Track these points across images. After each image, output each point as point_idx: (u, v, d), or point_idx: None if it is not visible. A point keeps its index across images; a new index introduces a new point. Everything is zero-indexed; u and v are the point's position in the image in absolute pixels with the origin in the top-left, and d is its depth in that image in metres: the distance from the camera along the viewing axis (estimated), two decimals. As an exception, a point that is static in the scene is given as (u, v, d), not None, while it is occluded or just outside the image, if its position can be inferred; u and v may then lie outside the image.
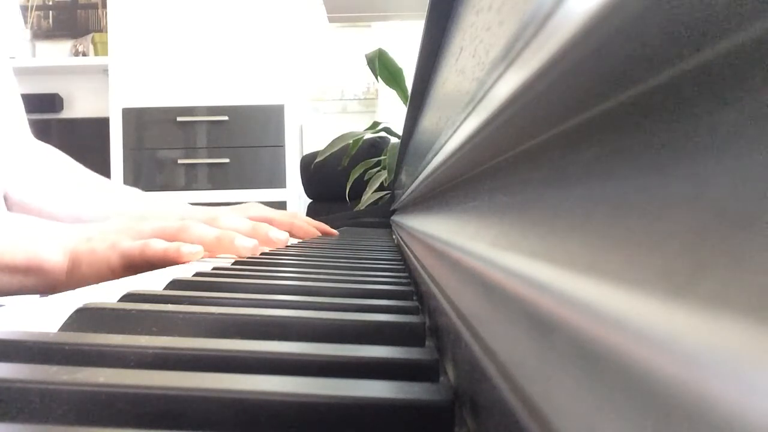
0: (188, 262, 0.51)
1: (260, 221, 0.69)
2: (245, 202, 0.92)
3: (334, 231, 0.99)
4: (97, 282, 0.56)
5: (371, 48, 1.58)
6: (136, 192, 0.84)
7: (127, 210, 0.65)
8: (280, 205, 2.35)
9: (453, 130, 0.24)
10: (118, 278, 0.56)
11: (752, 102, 0.07)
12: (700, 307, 0.06)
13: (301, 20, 2.62)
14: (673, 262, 0.07)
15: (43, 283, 0.56)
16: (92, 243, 0.56)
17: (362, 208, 1.57)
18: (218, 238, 0.59)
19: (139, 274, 0.46)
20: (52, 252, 0.56)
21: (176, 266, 0.53)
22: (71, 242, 0.57)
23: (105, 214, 0.74)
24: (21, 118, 0.86)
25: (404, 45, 1.91)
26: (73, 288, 0.57)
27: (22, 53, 2.74)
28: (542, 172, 0.16)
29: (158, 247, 0.52)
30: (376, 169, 1.65)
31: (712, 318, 0.06)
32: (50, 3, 2.88)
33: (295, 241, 0.76)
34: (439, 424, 0.15)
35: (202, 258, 0.54)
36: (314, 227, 0.93)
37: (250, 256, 0.55)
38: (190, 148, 2.49)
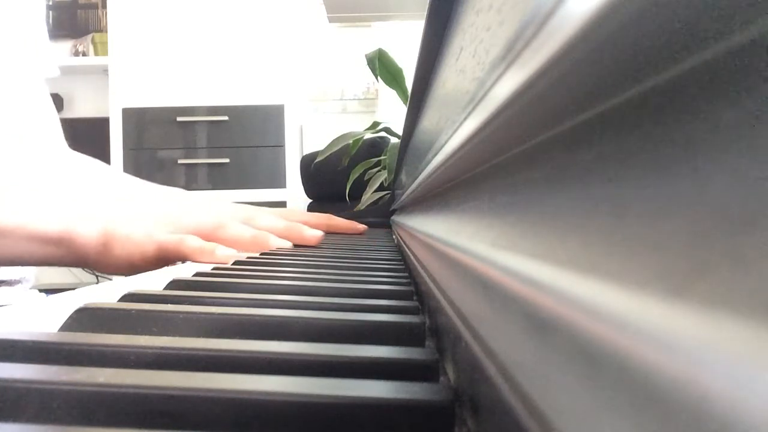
0: (221, 263, 0.52)
1: (296, 222, 0.70)
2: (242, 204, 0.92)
3: (363, 227, 0.99)
4: (127, 265, 0.57)
5: (371, 48, 1.57)
6: (174, 192, 0.85)
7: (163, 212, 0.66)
8: (280, 206, 2.35)
9: (453, 130, 0.24)
10: (148, 267, 0.56)
11: (753, 101, 0.07)
12: (700, 307, 0.06)
13: (301, 20, 2.62)
14: (673, 262, 0.07)
15: (73, 256, 0.57)
16: (129, 228, 0.57)
17: (362, 208, 1.56)
18: (254, 237, 0.61)
19: (139, 274, 0.46)
20: (87, 228, 0.57)
21: (176, 266, 0.53)
22: (109, 222, 0.58)
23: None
24: (56, 134, 0.86)
25: (404, 45, 1.90)
26: (102, 267, 0.57)
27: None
28: (542, 172, 0.16)
29: (194, 244, 0.53)
30: (376, 169, 1.64)
31: (713, 318, 0.06)
32: (50, 3, 2.88)
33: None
34: (439, 424, 0.15)
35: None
36: (349, 225, 0.94)
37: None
38: (190, 148, 2.48)
